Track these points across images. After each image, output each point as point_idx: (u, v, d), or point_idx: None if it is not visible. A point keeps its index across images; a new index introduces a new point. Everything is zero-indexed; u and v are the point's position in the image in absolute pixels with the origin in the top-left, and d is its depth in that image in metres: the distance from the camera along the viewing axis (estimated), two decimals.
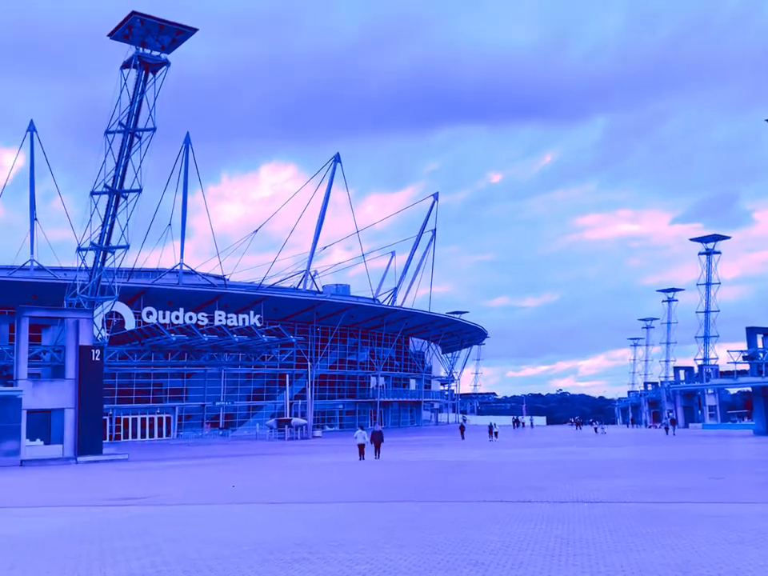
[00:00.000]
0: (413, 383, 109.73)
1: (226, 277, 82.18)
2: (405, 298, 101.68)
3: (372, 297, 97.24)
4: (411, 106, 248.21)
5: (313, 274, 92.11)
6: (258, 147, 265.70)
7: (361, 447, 35.19)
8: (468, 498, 18.23)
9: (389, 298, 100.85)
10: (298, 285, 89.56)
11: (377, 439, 35.92)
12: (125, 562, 10.45)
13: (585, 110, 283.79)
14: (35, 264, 70.56)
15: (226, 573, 9.57)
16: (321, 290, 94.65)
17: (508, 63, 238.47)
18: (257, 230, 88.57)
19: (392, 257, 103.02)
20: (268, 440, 67.52)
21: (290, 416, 72.14)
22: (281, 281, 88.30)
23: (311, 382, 76.34)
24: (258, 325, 67.77)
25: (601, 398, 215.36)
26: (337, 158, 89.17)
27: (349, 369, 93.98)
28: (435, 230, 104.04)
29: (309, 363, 79.47)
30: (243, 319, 74.20)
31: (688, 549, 10.70)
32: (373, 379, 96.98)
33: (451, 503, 17.23)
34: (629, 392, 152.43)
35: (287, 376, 76.76)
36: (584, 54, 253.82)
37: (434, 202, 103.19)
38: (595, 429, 77.64)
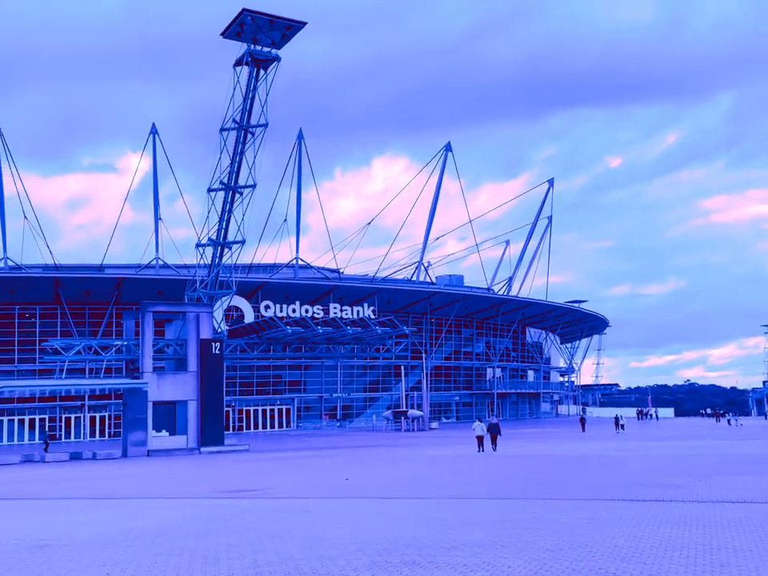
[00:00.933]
0: (531, 374, 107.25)
1: (341, 270, 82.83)
2: (521, 288, 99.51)
3: (486, 287, 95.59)
4: (524, 91, 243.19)
5: (426, 265, 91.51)
6: (371, 141, 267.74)
7: (479, 439, 34.57)
8: (593, 495, 16.92)
9: (504, 288, 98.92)
10: (412, 276, 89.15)
11: (493, 431, 35.13)
12: (227, 561, 10.01)
13: (710, 86, 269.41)
14: (160, 262, 73.43)
15: None
16: (434, 281, 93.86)
17: (624, 42, 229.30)
18: (369, 223, 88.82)
19: (506, 246, 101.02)
20: (384, 431, 67.50)
21: (406, 408, 71.86)
22: (394, 273, 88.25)
23: (426, 373, 75.78)
24: (372, 317, 67.80)
25: (733, 388, 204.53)
26: (448, 147, 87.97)
27: (464, 360, 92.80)
28: (551, 217, 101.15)
29: (423, 355, 78.94)
30: (357, 311, 74.50)
31: None
32: (489, 371, 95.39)
33: (574, 501, 16.01)
34: (764, 382, 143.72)
35: (402, 368, 76.53)
36: (706, 28, 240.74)
37: (549, 189, 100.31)
38: (728, 421, 73.28)
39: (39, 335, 64.49)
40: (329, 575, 9.00)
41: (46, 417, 67.40)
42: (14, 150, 77.51)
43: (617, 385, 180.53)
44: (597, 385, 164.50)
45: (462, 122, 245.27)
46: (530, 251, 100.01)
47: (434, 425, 71.43)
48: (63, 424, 68.02)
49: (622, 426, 56.12)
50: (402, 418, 67.85)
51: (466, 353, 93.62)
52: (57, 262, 71.45)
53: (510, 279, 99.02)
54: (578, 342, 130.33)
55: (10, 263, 70.67)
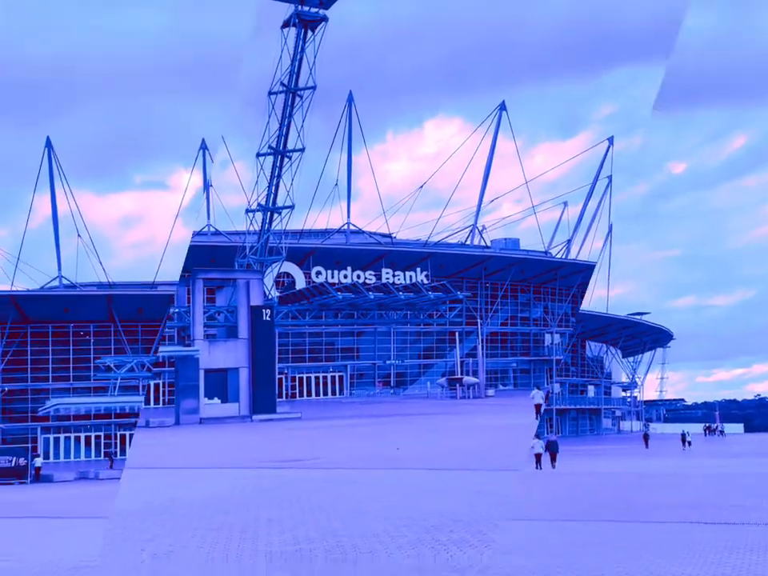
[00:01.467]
0: (591, 389, 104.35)
1: (393, 235, 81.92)
2: (580, 250, 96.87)
3: (544, 250, 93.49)
4: (580, 47, 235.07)
5: (480, 228, 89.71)
6: (422, 102, 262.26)
7: (538, 456, 30.94)
8: (657, 517, 15.15)
9: (562, 251, 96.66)
10: (466, 240, 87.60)
11: (552, 449, 32.60)
12: (266, 536, 9.45)
13: None
14: (212, 229, 73.57)
15: (372, 556, 8.24)
16: (489, 244, 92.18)
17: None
18: (422, 186, 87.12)
19: (564, 207, 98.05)
20: (439, 399, 66.92)
21: (462, 374, 71.06)
22: (447, 237, 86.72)
23: (482, 339, 74.71)
24: (425, 282, 66.87)
25: None
26: (502, 106, 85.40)
27: (521, 326, 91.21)
28: (611, 176, 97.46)
29: (479, 320, 77.90)
30: (410, 276, 73.49)
31: None
32: (547, 336, 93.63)
33: (637, 524, 14.37)
34: None
35: (457, 334, 75.56)
36: None
37: (609, 147, 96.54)
38: None
39: (93, 352, 65.07)
40: (371, 554, 8.33)
41: (102, 434, 67.87)
42: (69, 168, 77.61)
43: (682, 400, 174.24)
44: (661, 400, 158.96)
45: (516, 81, 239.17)
46: (589, 212, 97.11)
47: (491, 392, 70.38)
48: (118, 441, 68.28)
49: (689, 442, 54.11)
50: (458, 385, 67.11)
51: (522, 318, 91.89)
52: (110, 280, 71.70)
53: (569, 242, 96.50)
54: (640, 355, 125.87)
55: (64, 281, 71.28)
